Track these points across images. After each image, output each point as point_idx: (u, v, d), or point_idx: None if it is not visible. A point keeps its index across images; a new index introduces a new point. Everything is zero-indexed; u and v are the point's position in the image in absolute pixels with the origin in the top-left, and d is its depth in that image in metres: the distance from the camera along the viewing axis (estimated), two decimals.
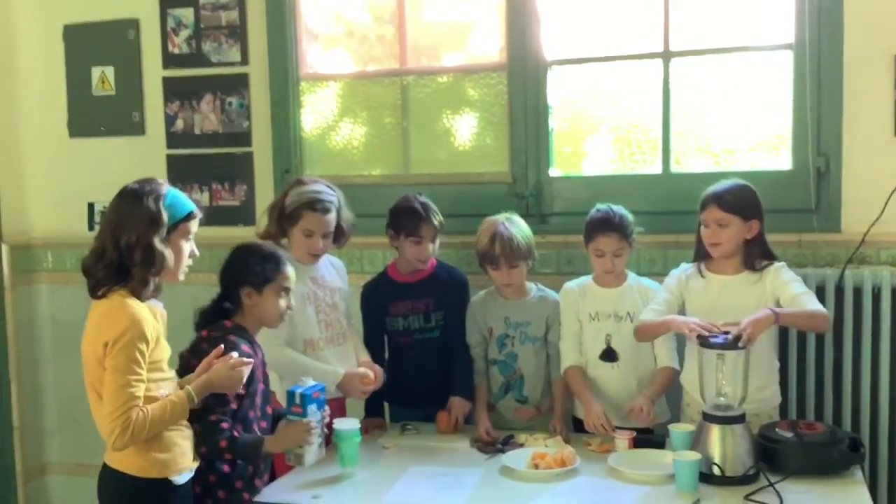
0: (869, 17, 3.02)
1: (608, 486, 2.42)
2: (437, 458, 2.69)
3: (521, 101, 3.43)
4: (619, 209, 2.89)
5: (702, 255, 2.82)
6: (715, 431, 2.43)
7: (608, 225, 2.85)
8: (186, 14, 3.75)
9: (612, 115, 3.45)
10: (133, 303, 2.16)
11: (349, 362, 2.93)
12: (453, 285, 3.09)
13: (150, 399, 2.17)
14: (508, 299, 3.03)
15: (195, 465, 2.34)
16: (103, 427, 2.15)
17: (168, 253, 2.17)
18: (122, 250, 2.14)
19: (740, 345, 2.46)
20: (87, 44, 3.89)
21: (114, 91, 3.88)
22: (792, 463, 2.42)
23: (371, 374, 2.89)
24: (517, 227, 2.95)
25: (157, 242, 2.15)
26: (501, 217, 2.99)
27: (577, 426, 2.94)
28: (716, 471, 2.39)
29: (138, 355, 2.12)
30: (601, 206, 2.91)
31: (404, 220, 3.00)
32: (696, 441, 2.46)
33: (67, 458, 4.10)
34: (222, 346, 2.36)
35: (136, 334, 2.12)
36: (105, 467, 2.25)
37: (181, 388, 2.29)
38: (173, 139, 3.82)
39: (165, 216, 2.17)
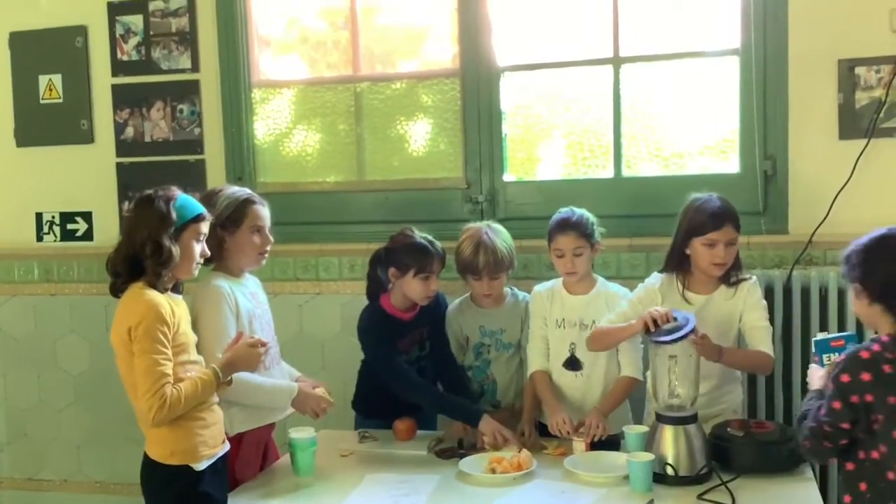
0: (813, 22, 3.09)
1: (564, 489, 2.43)
2: (394, 465, 2.68)
3: (475, 106, 3.44)
4: (580, 210, 2.87)
5: (681, 274, 2.77)
6: (668, 432, 2.45)
7: (565, 223, 2.84)
8: (135, 21, 3.71)
9: (564, 120, 3.47)
10: (150, 292, 2.35)
11: (286, 380, 2.80)
12: (439, 312, 3.03)
13: (178, 381, 2.35)
14: (485, 308, 3.03)
15: (218, 449, 2.45)
16: (141, 407, 2.32)
17: (175, 249, 2.36)
18: (137, 247, 2.36)
19: (691, 337, 2.48)
20: (34, 51, 3.82)
21: (61, 99, 3.82)
22: (743, 462, 2.45)
23: (328, 396, 2.79)
24: (500, 236, 2.93)
25: (166, 239, 2.35)
26: (483, 225, 2.97)
27: (542, 432, 2.92)
28: (669, 471, 2.41)
29: (161, 336, 2.31)
30: (563, 209, 2.90)
31: (412, 257, 2.85)
32: (650, 442, 2.49)
33: (17, 472, 4.02)
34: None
35: (154, 317, 2.31)
36: (144, 456, 2.44)
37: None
38: (123, 147, 3.77)
39: (174, 216, 2.38)
